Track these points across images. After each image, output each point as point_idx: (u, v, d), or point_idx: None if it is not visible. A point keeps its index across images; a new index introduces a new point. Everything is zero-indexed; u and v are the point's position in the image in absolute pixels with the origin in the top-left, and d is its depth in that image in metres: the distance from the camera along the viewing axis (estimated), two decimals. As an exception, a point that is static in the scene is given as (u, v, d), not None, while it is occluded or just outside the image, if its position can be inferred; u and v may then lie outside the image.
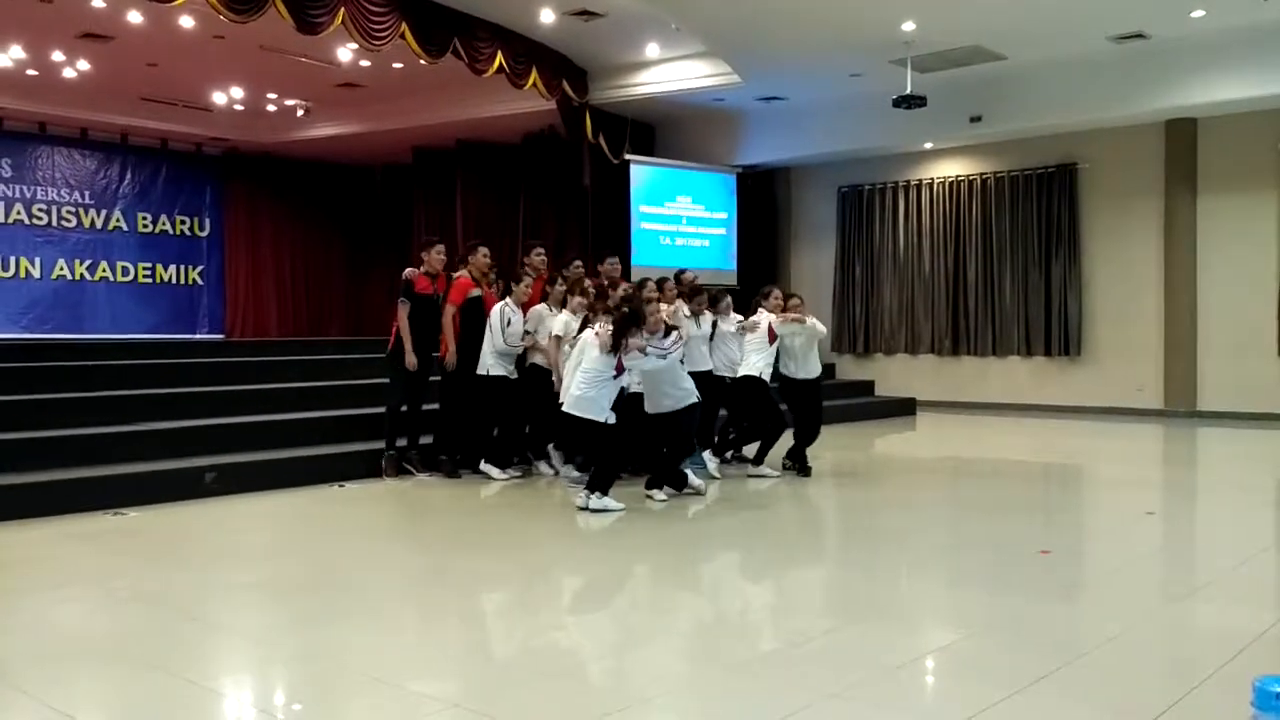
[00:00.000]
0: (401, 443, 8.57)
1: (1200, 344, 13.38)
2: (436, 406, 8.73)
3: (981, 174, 15.09)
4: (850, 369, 16.11)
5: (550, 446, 8.81)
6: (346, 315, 18.95)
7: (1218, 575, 5.63)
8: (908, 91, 12.40)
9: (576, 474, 8.38)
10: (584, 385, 7.09)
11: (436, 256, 8.68)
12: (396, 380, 8.54)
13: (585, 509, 7.00)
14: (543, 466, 8.82)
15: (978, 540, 6.54)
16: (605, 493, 7.05)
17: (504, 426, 8.65)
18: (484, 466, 8.47)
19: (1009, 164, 14.80)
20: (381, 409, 8.75)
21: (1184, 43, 12.05)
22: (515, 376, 8.52)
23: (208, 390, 9.41)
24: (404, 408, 8.55)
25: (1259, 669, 3.42)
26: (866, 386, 15.57)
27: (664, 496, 7.53)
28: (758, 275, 14.66)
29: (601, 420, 7.05)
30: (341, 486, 8.14)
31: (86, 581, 5.43)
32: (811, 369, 8.84)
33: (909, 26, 11.56)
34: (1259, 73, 11.98)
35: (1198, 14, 11.19)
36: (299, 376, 10.40)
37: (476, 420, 8.54)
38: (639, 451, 7.90)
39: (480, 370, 8.35)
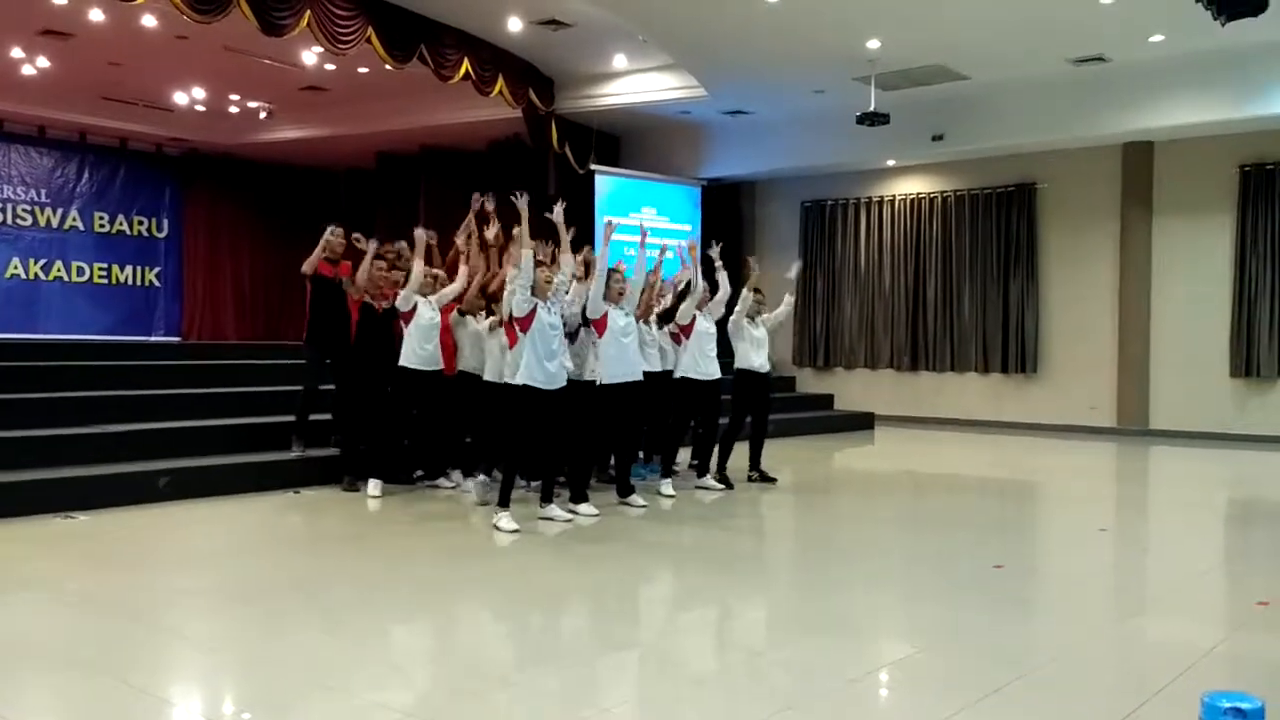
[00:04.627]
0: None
1: (1154, 363, 13.58)
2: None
3: (942, 192, 15.25)
4: (810, 383, 16.19)
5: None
6: (303, 321, 18.72)
7: (1169, 591, 5.70)
8: (871, 109, 12.51)
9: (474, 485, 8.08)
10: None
11: (335, 240, 8.68)
12: (312, 362, 8.70)
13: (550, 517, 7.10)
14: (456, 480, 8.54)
15: (933, 555, 6.58)
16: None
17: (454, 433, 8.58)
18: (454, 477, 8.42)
19: (969, 183, 14.97)
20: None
21: (1142, 67, 12.26)
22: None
23: (162, 393, 9.28)
24: (321, 387, 8.66)
25: (1209, 684, 3.47)
26: (826, 400, 15.66)
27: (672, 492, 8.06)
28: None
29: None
30: (297, 493, 8.06)
31: (34, 585, 5.33)
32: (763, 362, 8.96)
33: (874, 44, 11.67)
34: (1215, 97, 12.22)
35: (1156, 39, 11.39)
36: (255, 380, 10.29)
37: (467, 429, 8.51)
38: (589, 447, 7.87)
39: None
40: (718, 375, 8.61)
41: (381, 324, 8.18)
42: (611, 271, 7.64)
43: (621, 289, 7.62)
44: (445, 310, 8.28)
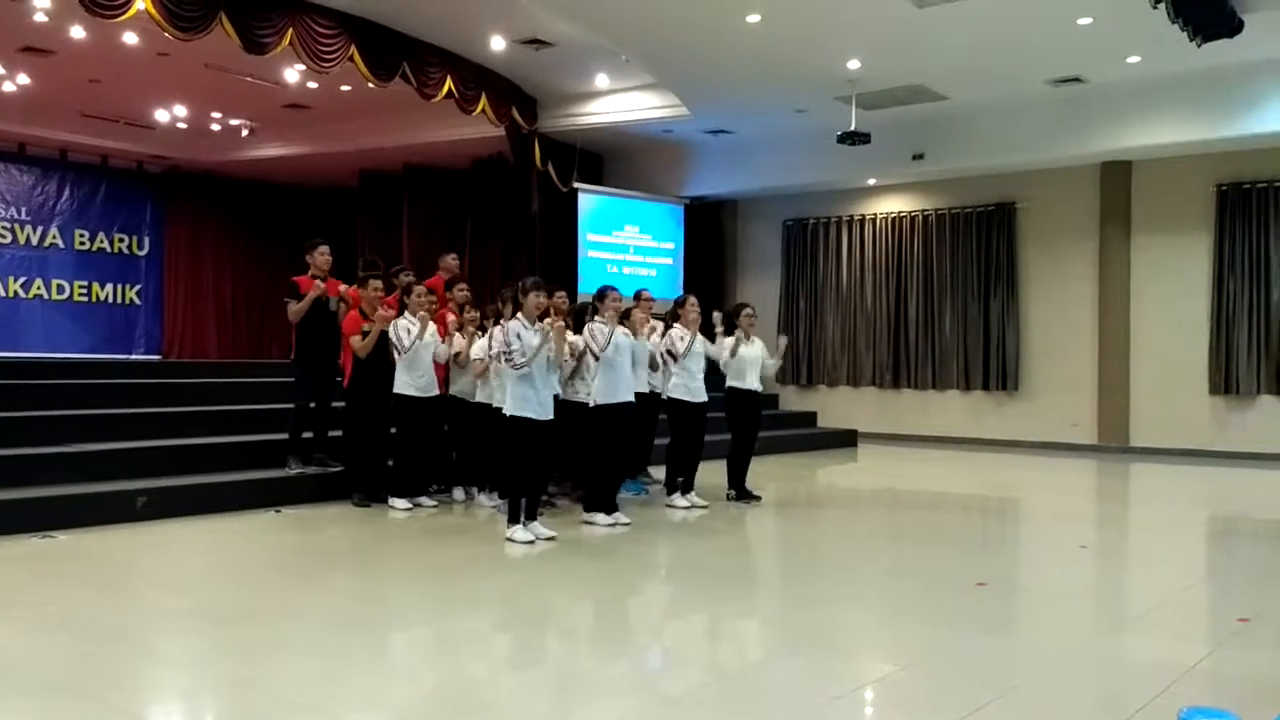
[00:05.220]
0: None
1: (1133, 381, 13.66)
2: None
3: (923, 211, 15.35)
4: (793, 400, 16.22)
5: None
6: (286, 338, 18.64)
7: (1149, 609, 5.72)
8: (852, 128, 12.59)
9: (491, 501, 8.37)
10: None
11: (321, 258, 8.70)
12: (301, 380, 8.71)
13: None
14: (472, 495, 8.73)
15: (915, 572, 6.59)
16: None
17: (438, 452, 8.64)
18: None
19: (950, 201, 15.07)
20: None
21: (1120, 87, 12.38)
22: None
23: (143, 411, 9.22)
24: (312, 405, 8.68)
25: (1189, 701, 3.48)
26: (809, 418, 15.68)
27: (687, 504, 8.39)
28: (704, 305, 14.67)
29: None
30: (278, 512, 8.01)
31: (13, 605, 5.28)
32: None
33: (854, 65, 11.75)
34: (1192, 117, 12.35)
35: (1133, 59, 11.51)
36: (236, 399, 10.24)
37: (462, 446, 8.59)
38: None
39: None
40: (705, 398, 8.66)
41: (380, 349, 8.22)
42: (608, 289, 7.77)
43: (618, 306, 7.68)
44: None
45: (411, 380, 8.08)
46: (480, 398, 8.23)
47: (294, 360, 8.83)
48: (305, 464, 8.66)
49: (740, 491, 8.92)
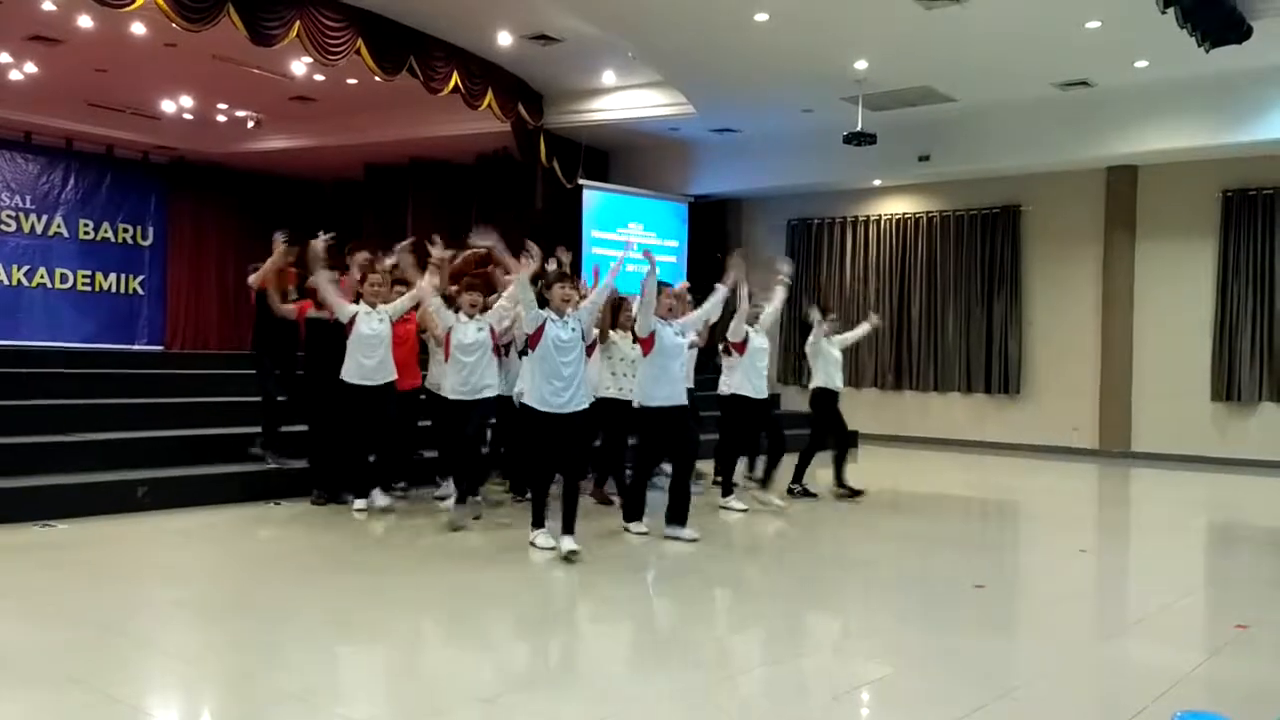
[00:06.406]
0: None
1: (1136, 386, 13.65)
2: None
3: (928, 212, 15.33)
4: (795, 400, 16.17)
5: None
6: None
7: (1148, 614, 5.71)
8: (858, 129, 12.57)
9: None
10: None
11: (286, 250, 8.41)
12: (263, 372, 8.53)
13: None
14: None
15: (915, 574, 6.59)
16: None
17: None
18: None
19: (955, 204, 15.05)
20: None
21: (1127, 92, 12.37)
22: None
23: (144, 402, 9.24)
24: (281, 398, 8.46)
25: (1186, 707, 3.48)
26: (810, 418, 15.60)
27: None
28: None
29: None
30: (277, 504, 8.01)
31: (12, 594, 5.29)
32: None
33: (861, 65, 11.73)
34: (1198, 123, 12.33)
35: (1141, 64, 11.49)
36: (237, 391, 10.21)
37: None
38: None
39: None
40: (766, 393, 8.63)
41: (332, 335, 7.80)
42: (663, 285, 7.40)
43: (671, 304, 7.33)
44: (401, 323, 8.03)
45: (355, 362, 7.63)
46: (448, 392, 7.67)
47: (253, 350, 8.64)
48: (282, 457, 8.39)
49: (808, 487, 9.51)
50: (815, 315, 9.47)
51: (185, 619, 4.99)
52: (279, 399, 8.48)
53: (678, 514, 7.14)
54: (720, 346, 8.74)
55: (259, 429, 8.53)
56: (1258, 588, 6.49)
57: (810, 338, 9.51)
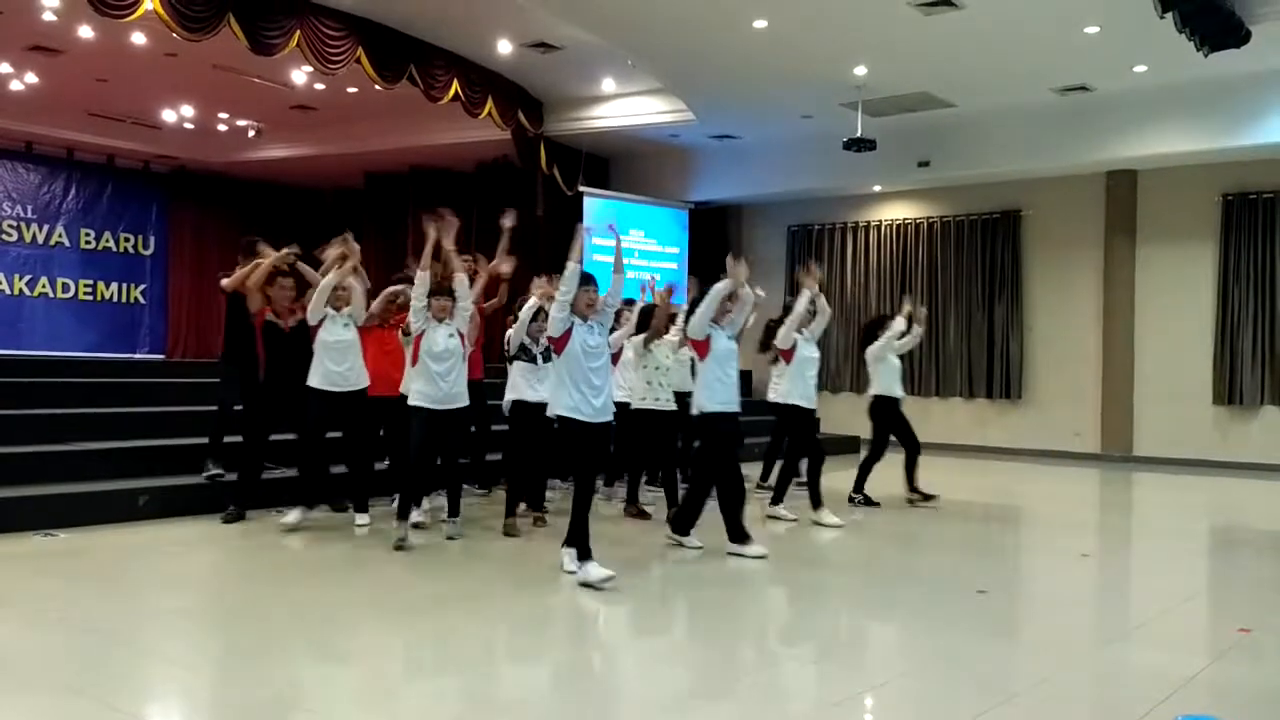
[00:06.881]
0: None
1: (1137, 390, 13.65)
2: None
3: (928, 217, 15.35)
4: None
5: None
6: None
7: (1150, 618, 5.71)
8: (858, 134, 12.60)
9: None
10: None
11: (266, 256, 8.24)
12: (228, 380, 8.24)
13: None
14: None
15: (916, 578, 6.58)
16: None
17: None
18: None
19: (955, 209, 15.07)
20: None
21: (1126, 96, 12.38)
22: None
23: (145, 411, 9.23)
24: (237, 406, 8.05)
25: (1189, 711, 3.47)
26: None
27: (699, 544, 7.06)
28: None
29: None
30: (280, 513, 7.98)
31: (13, 604, 5.28)
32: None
33: (860, 71, 11.76)
34: (1197, 127, 12.34)
35: (1140, 69, 11.51)
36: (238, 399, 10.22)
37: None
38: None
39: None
40: (815, 403, 8.51)
41: (290, 343, 7.60)
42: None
43: (728, 309, 7.04)
44: (369, 330, 7.82)
45: (322, 368, 7.37)
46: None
47: (222, 358, 8.46)
48: (226, 468, 8.07)
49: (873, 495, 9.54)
50: (899, 323, 9.40)
51: (187, 628, 4.99)
52: (235, 408, 8.11)
53: (735, 531, 6.89)
54: (769, 355, 8.78)
55: (207, 439, 8.22)
56: (1260, 591, 6.48)
57: (879, 342, 9.34)
